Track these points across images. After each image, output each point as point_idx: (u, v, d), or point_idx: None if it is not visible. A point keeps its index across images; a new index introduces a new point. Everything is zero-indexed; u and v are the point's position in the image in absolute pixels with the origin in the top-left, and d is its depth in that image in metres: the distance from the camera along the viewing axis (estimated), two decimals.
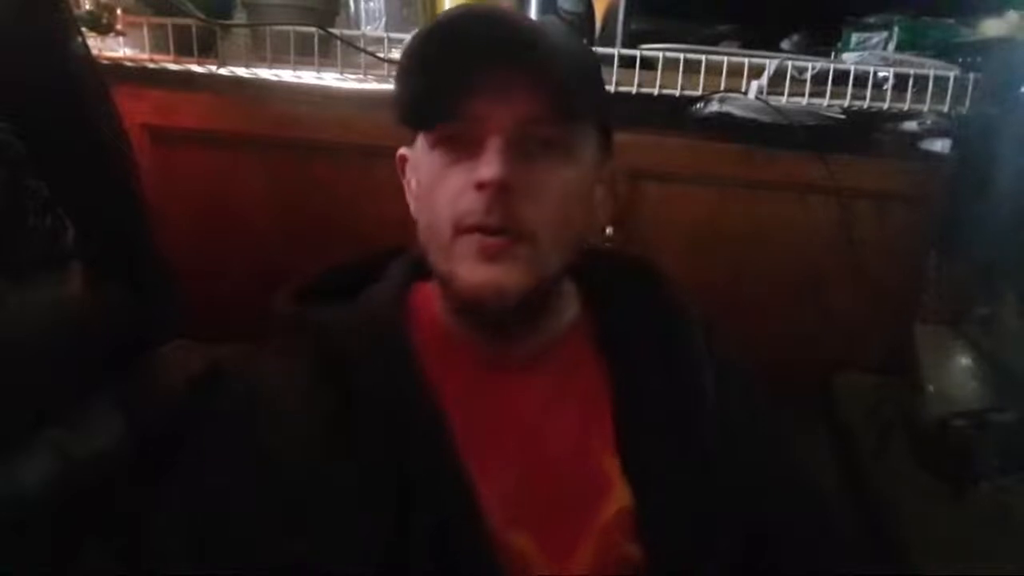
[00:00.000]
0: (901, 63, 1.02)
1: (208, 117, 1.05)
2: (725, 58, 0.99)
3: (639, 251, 1.04)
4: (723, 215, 1.06)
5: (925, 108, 1.01)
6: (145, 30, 0.99)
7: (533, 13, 1.05)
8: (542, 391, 0.64)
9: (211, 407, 0.65)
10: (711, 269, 1.06)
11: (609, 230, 1.03)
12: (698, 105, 1.02)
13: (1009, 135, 0.91)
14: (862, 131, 1.09)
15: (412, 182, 0.66)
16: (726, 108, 0.99)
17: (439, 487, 0.57)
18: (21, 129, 0.73)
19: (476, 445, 0.59)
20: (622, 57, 1.01)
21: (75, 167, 0.79)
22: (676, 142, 1.06)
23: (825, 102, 1.01)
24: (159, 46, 1.00)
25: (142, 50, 1.00)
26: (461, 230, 0.58)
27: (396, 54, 0.96)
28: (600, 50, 1.01)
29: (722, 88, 1.00)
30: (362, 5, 1.08)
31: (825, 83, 1.00)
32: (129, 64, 1.01)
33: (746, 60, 1.00)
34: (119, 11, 0.97)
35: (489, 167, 0.56)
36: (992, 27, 1.07)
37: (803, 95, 1.01)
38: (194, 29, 0.98)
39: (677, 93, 1.01)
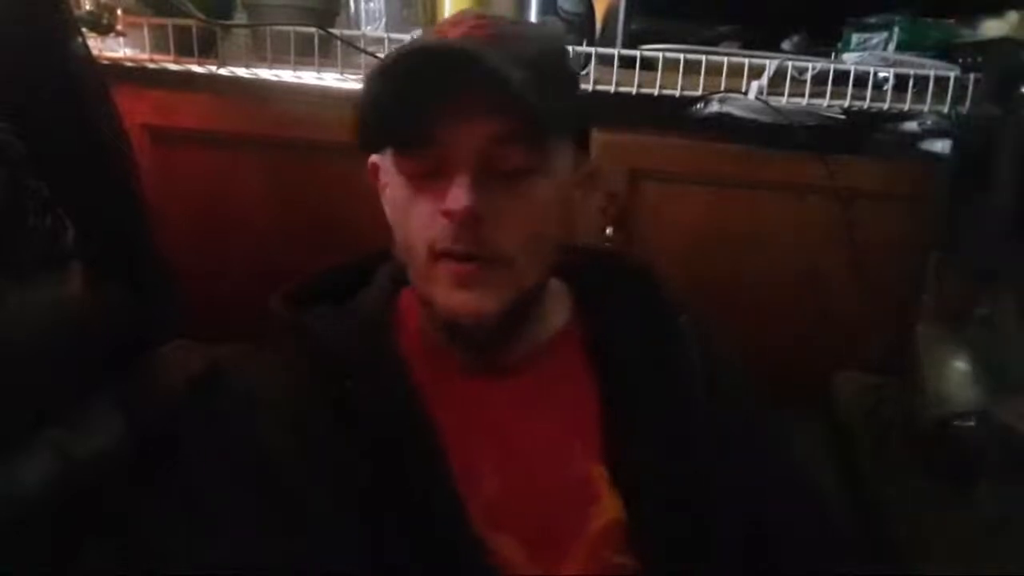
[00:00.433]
0: (901, 63, 1.02)
1: (208, 117, 1.05)
2: (725, 58, 0.99)
3: (639, 251, 1.05)
4: (723, 215, 1.06)
5: (925, 108, 1.01)
6: (145, 30, 0.99)
7: (533, 13, 1.05)
8: (525, 399, 0.64)
9: (210, 407, 0.65)
10: (711, 269, 1.06)
11: (609, 230, 1.03)
12: (698, 105, 1.02)
13: (1009, 135, 0.91)
14: (862, 131, 1.09)
15: (386, 190, 0.65)
16: (726, 108, 0.99)
17: (427, 491, 0.57)
18: (21, 129, 0.73)
19: (461, 451, 0.59)
20: (622, 57, 1.01)
21: (75, 167, 0.79)
22: (676, 142, 1.06)
23: (825, 102, 1.01)
24: (159, 46, 1.00)
25: (142, 50, 1.00)
26: (435, 255, 0.58)
27: None
28: (600, 50, 1.01)
29: (722, 88, 1.00)
30: (362, 5, 1.08)
31: (825, 83, 1.00)
32: (129, 64, 1.01)
33: (746, 60, 1.00)
34: (119, 11, 0.97)
35: (456, 197, 0.55)
36: (992, 27, 1.07)
37: (803, 95, 1.01)
38: (194, 29, 0.98)
39: (677, 93, 1.01)
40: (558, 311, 0.69)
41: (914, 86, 1.00)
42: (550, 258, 0.62)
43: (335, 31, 1.00)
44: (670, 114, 1.05)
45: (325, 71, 1.00)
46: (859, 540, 0.83)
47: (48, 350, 0.73)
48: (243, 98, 1.06)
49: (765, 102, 0.99)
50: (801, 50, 1.12)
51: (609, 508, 0.60)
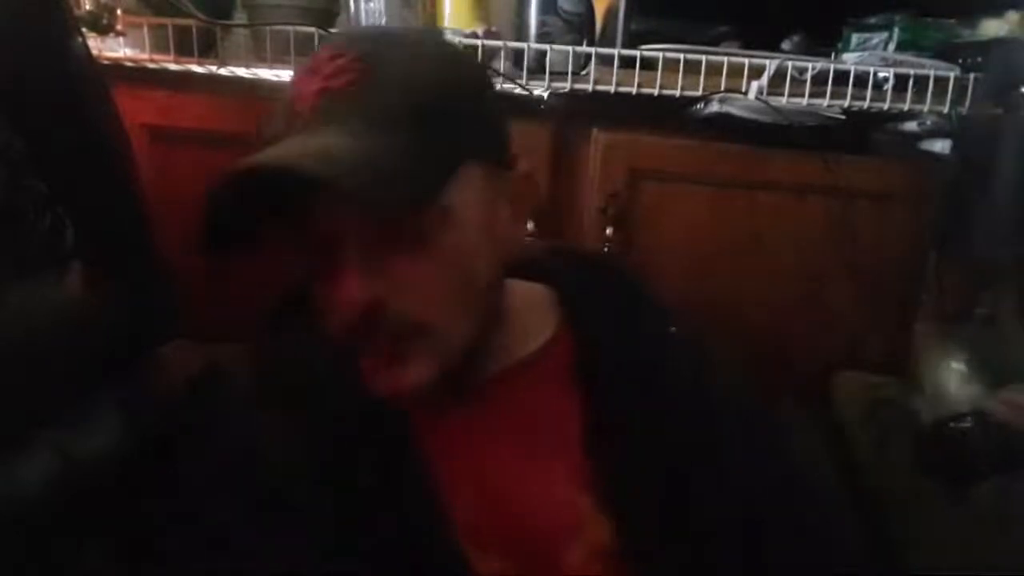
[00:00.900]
0: (901, 63, 1.02)
1: (208, 117, 1.05)
2: (725, 58, 0.99)
3: (639, 251, 1.05)
4: (723, 215, 1.06)
5: (925, 108, 1.01)
6: (145, 30, 0.99)
7: (533, 13, 1.05)
8: (504, 420, 0.61)
9: (210, 408, 0.65)
10: (711, 269, 1.06)
11: (609, 230, 1.03)
12: (698, 105, 1.02)
13: (1009, 135, 0.91)
14: (862, 131, 1.10)
15: None
16: (726, 108, 0.99)
17: (409, 515, 0.56)
18: (21, 129, 0.73)
19: (443, 475, 0.58)
20: (622, 57, 1.01)
21: (75, 167, 0.79)
22: (676, 142, 1.06)
23: (825, 102, 1.01)
24: (159, 46, 1.00)
25: (142, 50, 1.00)
26: (348, 328, 0.52)
27: None
28: (600, 50, 1.01)
29: (722, 88, 1.00)
30: (362, 5, 1.08)
31: (825, 83, 1.00)
32: (129, 64, 1.01)
33: (746, 60, 1.00)
34: (119, 11, 0.97)
35: (344, 289, 0.50)
36: (992, 27, 1.07)
37: (803, 95, 1.01)
38: (194, 29, 0.98)
39: (677, 93, 1.01)
40: (541, 324, 0.64)
41: (914, 86, 1.00)
42: (484, 299, 0.57)
43: (335, 31, 1.00)
44: (670, 114, 1.05)
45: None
46: (859, 540, 0.83)
47: (48, 350, 0.73)
48: (243, 98, 1.06)
49: (765, 102, 0.99)
50: (801, 50, 1.12)
51: (594, 535, 0.57)
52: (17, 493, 0.65)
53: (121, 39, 1.00)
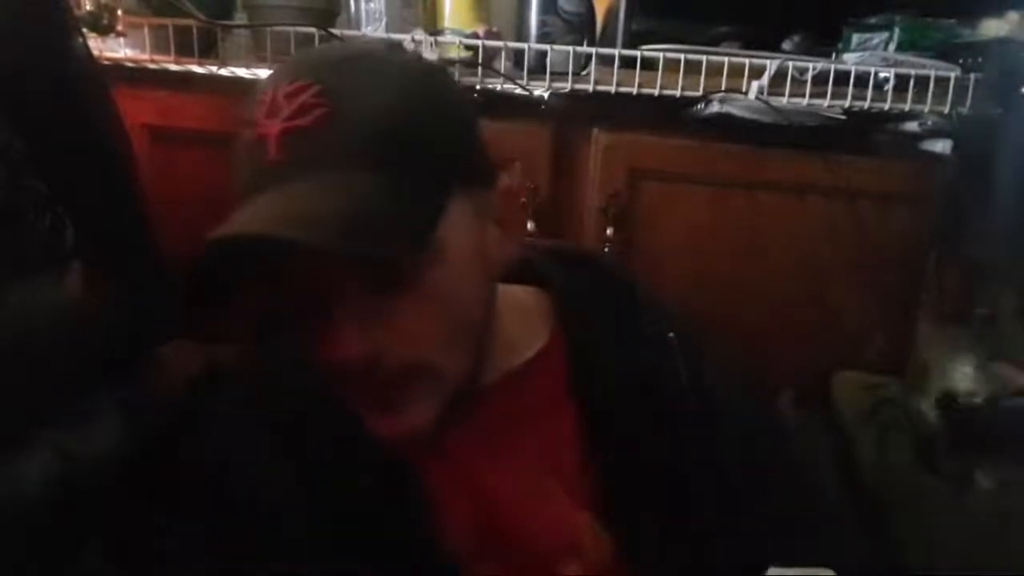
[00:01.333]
0: (902, 64, 1.02)
1: (208, 117, 1.05)
2: (726, 59, 0.99)
3: (639, 251, 1.05)
4: (723, 215, 1.06)
5: (926, 108, 1.01)
6: (146, 31, 0.99)
7: (533, 13, 1.05)
8: (497, 433, 0.59)
9: (210, 408, 0.65)
10: (711, 269, 1.06)
11: (609, 230, 1.03)
12: (699, 105, 1.02)
13: (1009, 135, 0.91)
14: (863, 131, 1.09)
15: None
16: (727, 108, 0.99)
17: (404, 525, 0.56)
18: (21, 129, 0.73)
19: (435, 485, 0.57)
20: (622, 57, 1.01)
21: (75, 167, 0.79)
22: (676, 142, 1.05)
23: (826, 102, 1.01)
24: (160, 47, 0.99)
25: (143, 51, 1.00)
26: (345, 379, 0.51)
27: None
28: (600, 50, 1.01)
29: (723, 88, 1.00)
30: (363, 6, 1.08)
31: (826, 83, 1.00)
32: (130, 65, 1.01)
33: (747, 61, 1.00)
34: (120, 12, 0.97)
35: (340, 344, 0.48)
36: (992, 27, 1.07)
37: (804, 95, 1.01)
38: (195, 30, 0.98)
39: (678, 94, 1.01)
40: (534, 330, 0.62)
41: (914, 86, 0.99)
42: (480, 325, 0.55)
43: (335, 31, 1.00)
44: (670, 114, 1.05)
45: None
46: (859, 540, 0.83)
47: (48, 350, 0.73)
48: (243, 98, 1.06)
49: (766, 102, 0.99)
50: (802, 50, 1.12)
51: (592, 545, 0.56)
52: (17, 493, 0.65)
53: (121, 39, 1.00)
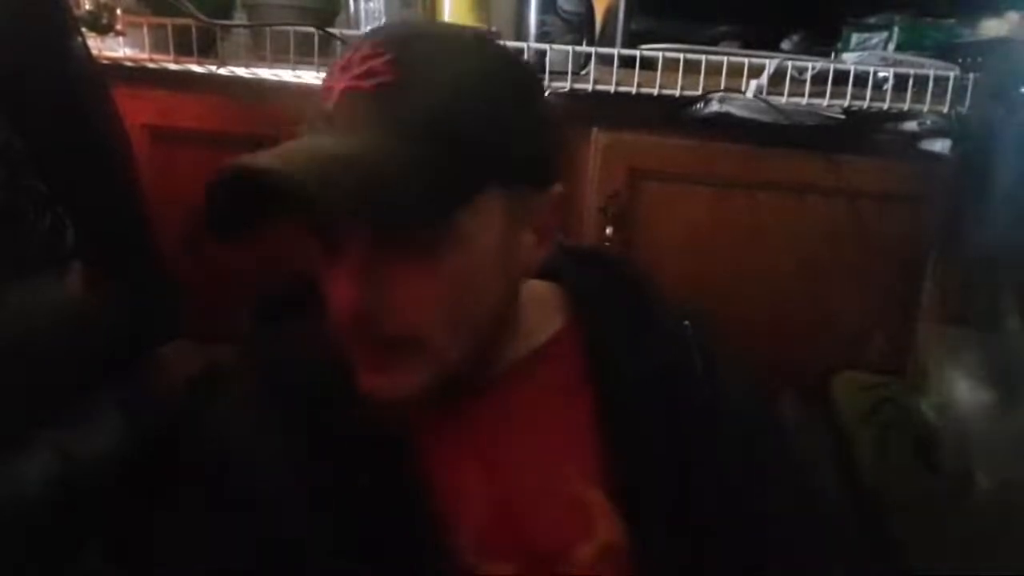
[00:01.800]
0: (901, 63, 1.02)
1: (208, 117, 1.05)
2: (725, 58, 0.99)
3: (639, 251, 1.05)
4: (723, 215, 1.06)
5: (925, 108, 1.01)
6: (145, 30, 0.99)
7: (533, 13, 1.05)
8: (511, 417, 0.60)
9: (209, 409, 0.65)
10: (711, 269, 1.06)
11: (609, 230, 1.03)
12: (698, 105, 1.02)
13: (1009, 135, 0.91)
14: (862, 131, 1.10)
15: None
16: (726, 108, 0.99)
17: (410, 522, 0.56)
18: (21, 129, 0.73)
19: (446, 476, 0.57)
20: (622, 57, 1.01)
21: (75, 167, 0.79)
22: (676, 142, 1.06)
23: (825, 102, 1.01)
24: (159, 46, 1.00)
25: (142, 50, 1.00)
26: (339, 329, 0.52)
27: None
28: (600, 50, 1.01)
29: (722, 88, 1.00)
30: (362, 5, 1.08)
31: (825, 83, 1.00)
32: (129, 64, 1.01)
33: (746, 60, 1.00)
34: (119, 11, 0.97)
35: (341, 288, 0.49)
36: (992, 27, 1.07)
37: (803, 95, 1.01)
38: (194, 29, 0.98)
39: (677, 93, 1.01)
40: (547, 322, 0.63)
41: (914, 86, 1.00)
42: (489, 319, 0.55)
43: (335, 31, 0.99)
44: (670, 114, 1.05)
45: (325, 71, 1.00)
46: (859, 540, 0.83)
47: (48, 350, 0.73)
48: (243, 98, 1.06)
49: (765, 102, 0.99)
50: (801, 50, 1.12)
51: (603, 532, 0.57)
52: (17, 493, 0.65)
53: (121, 39, 1.00)
